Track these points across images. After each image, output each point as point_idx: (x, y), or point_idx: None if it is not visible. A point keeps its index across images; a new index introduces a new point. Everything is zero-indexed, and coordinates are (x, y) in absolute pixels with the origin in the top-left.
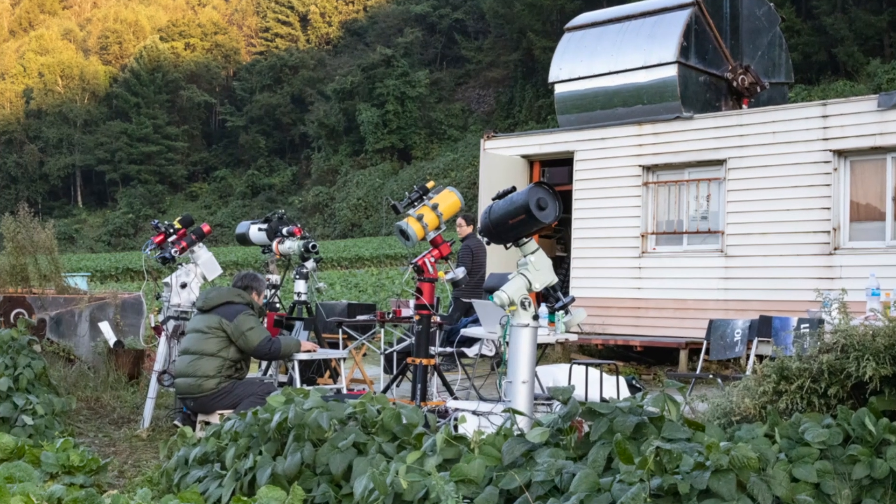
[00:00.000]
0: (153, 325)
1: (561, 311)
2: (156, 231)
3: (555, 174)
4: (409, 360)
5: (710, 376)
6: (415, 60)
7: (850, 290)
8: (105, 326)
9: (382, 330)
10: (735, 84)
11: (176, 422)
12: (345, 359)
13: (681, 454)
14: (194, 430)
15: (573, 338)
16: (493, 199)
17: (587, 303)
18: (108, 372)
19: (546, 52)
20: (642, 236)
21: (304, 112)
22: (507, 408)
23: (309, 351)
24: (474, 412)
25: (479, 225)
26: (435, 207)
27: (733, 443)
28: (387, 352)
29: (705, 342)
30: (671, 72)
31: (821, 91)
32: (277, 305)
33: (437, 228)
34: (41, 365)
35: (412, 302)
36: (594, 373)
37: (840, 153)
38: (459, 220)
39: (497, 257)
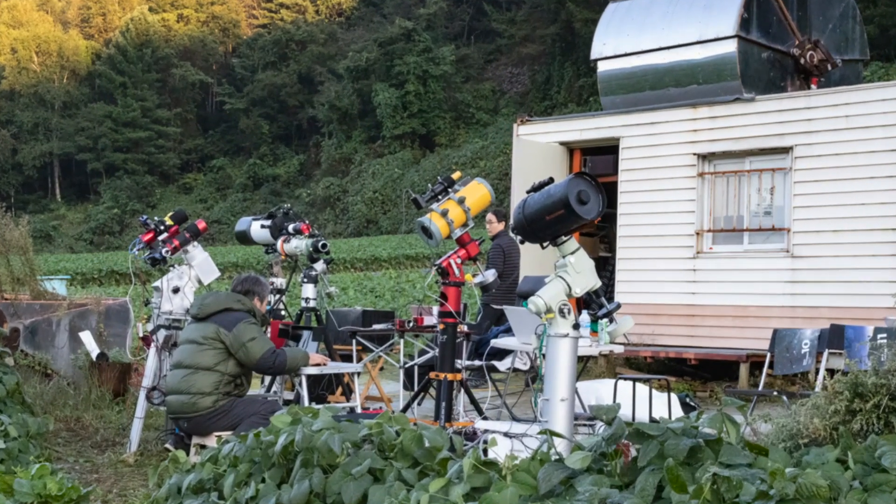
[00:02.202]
0: (141, 335)
1: (605, 320)
2: (144, 228)
3: (598, 164)
4: (432, 374)
5: (775, 393)
6: (439, 34)
7: None
8: (87, 337)
9: (402, 341)
10: (802, 61)
11: (167, 445)
12: (359, 373)
13: (741, 482)
14: (188, 454)
15: (619, 349)
16: (528, 192)
17: (634, 310)
18: (90, 388)
19: (588, 25)
20: (697, 234)
21: (313, 93)
22: (543, 429)
23: (318, 364)
24: (506, 434)
25: (511, 221)
26: (461, 201)
27: (800, 469)
28: (407, 365)
29: (769, 354)
30: (730, 47)
31: None
32: (283, 313)
33: (464, 225)
34: (14, 380)
35: (436, 309)
36: (642, 389)
37: None
38: (489, 216)
39: (532, 258)
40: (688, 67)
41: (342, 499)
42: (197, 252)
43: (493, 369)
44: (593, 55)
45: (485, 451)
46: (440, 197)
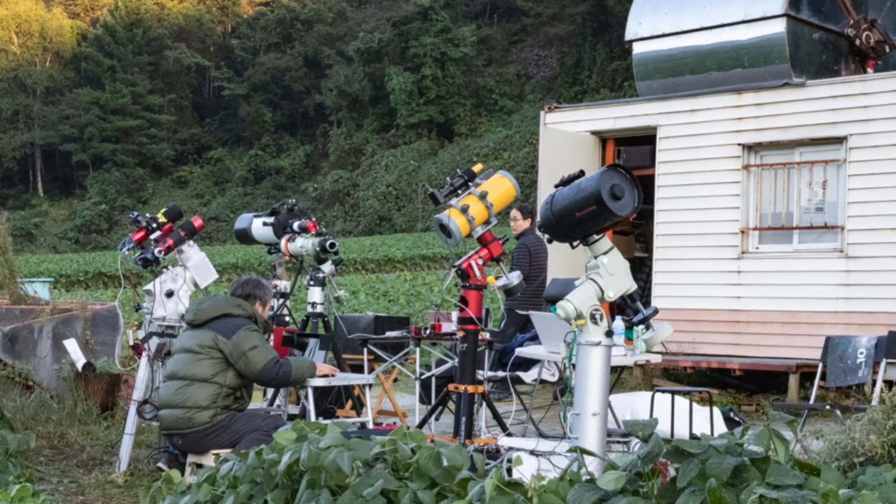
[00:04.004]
0: (132, 343)
1: (641, 326)
2: (135, 226)
3: (633, 155)
4: (451, 386)
5: (827, 407)
6: (458, 13)
7: None
8: (72, 345)
9: (418, 349)
10: (858, 42)
11: (160, 464)
12: (371, 385)
13: None
14: (183, 474)
15: (656, 359)
16: (556, 187)
17: (673, 315)
18: (75, 402)
19: (622, 3)
20: (742, 233)
21: (321, 78)
22: (573, 446)
23: (326, 376)
24: (532, 452)
25: (538, 218)
26: (483, 196)
27: (856, 490)
28: (423, 377)
29: (821, 364)
30: (778, 27)
31: None
32: (287, 319)
33: (487, 223)
34: None
35: (455, 314)
36: (682, 403)
37: None
38: (514, 213)
39: (561, 259)
40: (732, 49)
41: None
42: (193, 252)
43: (518, 381)
44: (628, 36)
45: (509, 471)
46: (460, 191)
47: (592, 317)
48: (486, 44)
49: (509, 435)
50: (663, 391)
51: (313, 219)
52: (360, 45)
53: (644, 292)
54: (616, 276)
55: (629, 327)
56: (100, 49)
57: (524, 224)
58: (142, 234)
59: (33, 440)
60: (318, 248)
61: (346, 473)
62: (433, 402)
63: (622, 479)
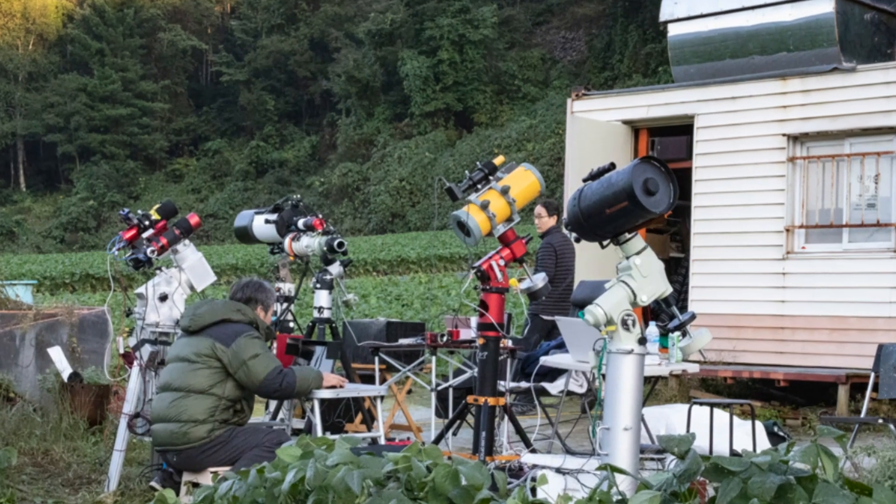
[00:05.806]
0: (122, 351)
1: (677, 333)
2: (126, 224)
3: (668, 146)
4: (469, 399)
5: (880, 421)
6: None
7: None
8: (57, 353)
9: (434, 358)
10: None
11: (153, 483)
12: (382, 397)
13: None
14: (177, 493)
15: (693, 369)
16: (585, 181)
17: (712, 321)
18: (60, 415)
19: None
20: (787, 231)
21: (328, 62)
22: (603, 464)
23: (334, 387)
24: (559, 470)
25: (565, 215)
26: (505, 192)
27: None
28: (440, 388)
29: (873, 375)
30: (827, 7)
31: None
32: (291, 324)
33: (509, 220)
34: None
35: (474, 320)
36: (722, 416)
37: None
38: (538, 209)
39: (589, 259)
40: (776, 31)
41: None
42: (188, 252)
43: (543, 392)
44: (663, 17)
45: (533, 491)
46: (479, 186)
47: (624, 322)
48: (509, 25)
49: (533, 451)
50: (701, 404)
51: (320, 216)
52: (371, 27)
53: (680, 296)
54: (650, 279)
55: (664, 334)
56: (87, 31)
57: (550, 221)
58: (133, 232)
59: (15, 457)
60: (324, 248)
61: (356, 494)
62: (450, 415)
63: (656, 500)
